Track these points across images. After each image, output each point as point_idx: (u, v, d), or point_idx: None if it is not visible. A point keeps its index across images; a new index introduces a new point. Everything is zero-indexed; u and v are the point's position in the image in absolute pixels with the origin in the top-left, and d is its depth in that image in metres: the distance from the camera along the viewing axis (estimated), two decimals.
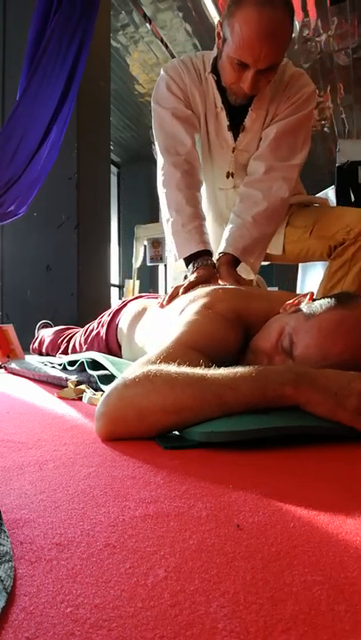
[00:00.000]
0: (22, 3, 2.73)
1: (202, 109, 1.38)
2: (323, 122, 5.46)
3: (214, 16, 3.74)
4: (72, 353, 1.53)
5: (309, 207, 1.52)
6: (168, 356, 0.65)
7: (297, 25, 3.89)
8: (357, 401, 0.58)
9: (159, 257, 5.39)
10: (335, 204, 3.59)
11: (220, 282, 1.23)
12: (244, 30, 1.12)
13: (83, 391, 0.97)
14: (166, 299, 1.15)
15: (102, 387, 0.95)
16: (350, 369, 0.63)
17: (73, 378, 1.09)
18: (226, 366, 0.62)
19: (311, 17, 3.79)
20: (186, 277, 1.28)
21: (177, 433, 0.61)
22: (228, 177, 1.44)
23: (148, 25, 3.91)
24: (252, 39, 1.12)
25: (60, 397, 0.98)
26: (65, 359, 1.24)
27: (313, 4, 3.65)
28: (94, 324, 1.48)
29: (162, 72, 1.40)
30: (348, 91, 4.83)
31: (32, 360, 1.57)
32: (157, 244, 5.31)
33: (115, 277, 6.21)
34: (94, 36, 2.27)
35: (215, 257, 1.33)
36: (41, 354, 1.85)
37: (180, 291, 1.14)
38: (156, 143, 1.41)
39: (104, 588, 0.26)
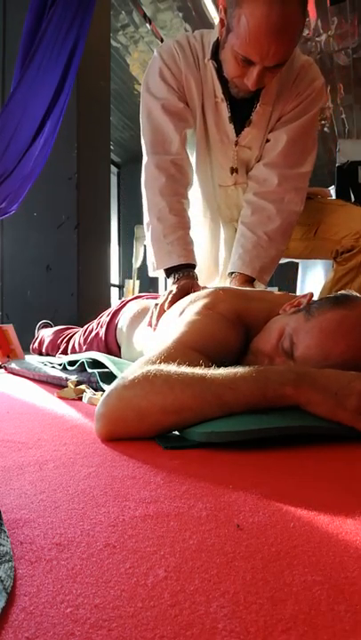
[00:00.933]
0: None
1: (198, 100, 1.27)
2: (323, 122, 5.46)
3: (214, 16, 3.74)
4: (72, 353, 1.53)
5: (313, 200, 1.45)
6: (168, 357, 0.65)
7: None
8: (358, 401, 0.58)
9: None
10: None
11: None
12: (252, 25, 1.02)
13: (83, 391, 0.97)
14: (155, 319, 1.10)
15: (103, 385, 0.95)
16: (351, 369, 0.63)
17: (73, 378, 1.09)
18: (226, 367, 0.62)
19: (311, 17, 3.79)
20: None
21: (177, 433, 0.61)
22: (231, 173, 1.35)
23: (148, 25, 3.92)
24: (260, 35, 1.02)
25: (60, 397, 0.98)
26: (65, 359, 1.24)
27: (313, 4, 3.65)
28: (93, 324, 1.48)
29: (155, 53, 1.29)
30: (349, 91, 4.82)
31: (32, 360, 1.57)
32: None
33: (115, 277, 6.21)
34: (94, 36, 2.27)
35: (228, 271, 1.29)
36: (41, 354, 1.85)
37: (166, 306, 1.09)
38: (142, 134, 1.32)
39: (104, 588, 0.26)
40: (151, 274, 1.33)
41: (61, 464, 0.50)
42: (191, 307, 0.85)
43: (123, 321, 1.30)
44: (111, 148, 5.40)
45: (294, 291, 2.89)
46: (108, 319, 1.37)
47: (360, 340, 0.67)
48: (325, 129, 5.63)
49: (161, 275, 1.29)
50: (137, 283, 5.16)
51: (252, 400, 0.58)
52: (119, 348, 1.33)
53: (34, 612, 0.24)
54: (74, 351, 1.53)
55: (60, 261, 2.74)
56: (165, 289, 1.21)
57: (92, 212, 2.85)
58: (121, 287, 6.12)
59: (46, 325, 2.14)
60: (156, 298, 1.31)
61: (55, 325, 2.07)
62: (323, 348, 0.68)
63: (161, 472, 0.48)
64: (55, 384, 1.17)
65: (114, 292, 5.90)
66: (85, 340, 1.46)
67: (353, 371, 0.63)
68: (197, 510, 0.38)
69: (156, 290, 6.38)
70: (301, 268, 2.99)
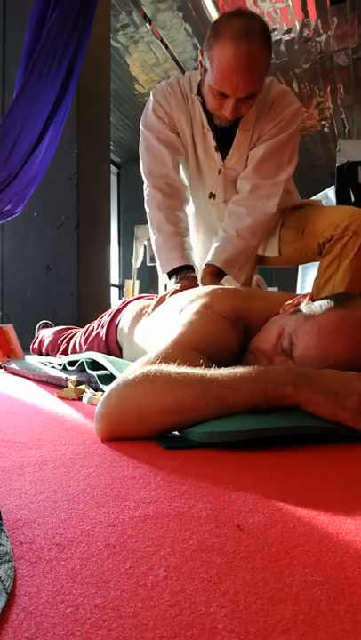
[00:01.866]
0: (23, 1, 2.73)
1: (188, 131, 1.44)
2: (323, 122, 5.46)
3: (214, 16, 3.74)
4: (72, 353, 1.53)
5: (303, 208, 1.55)
6: (168, 357, 0.65)
7: (297, 25, 3.89)
8: (358, 401, 0.58)
9: None
10: (335, 205, 3.59)
11: None
12: (223, 63, 1.17)
13: (83, 391, 0.97)
14: (152, 307, 1.19)
15: (102, 387, 0.95)
16: (351, 369, 0.63)
17: (73, 378, 1.09)
18: (226, 367, 0.62)
19: (311, 17, 3.79)
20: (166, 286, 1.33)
21: (177, 433, 0.61)
22: (209, 197, 1.50)
23: (148, 25, 3.91)
24: (229, 72, 1.17)
25: (60, 397, 0.98)
26: (65, 359, 1.24)
27: (313, 4, 3.65)
28: (94, 324, 1.48)
29: (151, 95, 1.46)
30: (349, 91, 4.82)
31: (32, 360, 1.57)
32: None
33: (115, 277, 6.21)
34: (94, 36, 2.27)
35: (201, 269, 1.40)
36: (41, 354, 1.85)
37: (166, 299, 1.18)
38: (141, 165, 1.48)
39: (104, 588, 0.26)
40: (161, 276, 1.45)
41: (61, 464, 0.50)
42: (190, 306, 0.85)
43: (124, 321, 1.30)
44: (111, 148, 5.40)
45: (294, 291, 2.89)
46: (108, 319, 1.38)
47: (359, 341, 0.67)
48: (325, 129, 5.63)
49: (168, 280, 1.42)
50: (137, 283, 5.17)
51: (252, 400, 0.58)
52: (120, 348, 1.33)
53: (34, 612, 0.24)
54: (74, 351, 1.53)
55: (60, 261, 2.75)
56: (165, 289, 1.32)
57: (92, 212, 2.85)
58: (121, 287, 6.13)
59: (46, 325, 2.14)
60: None
61: (55, 325, 2.07)
62: (322, 348, 0.68)
63: (161, 472, 0.48)
64: (55, 384, 1.17)
65: (114, 292, 5.90)
66: (86, 340, 1.46)
67: (353, 371, 0.63)
68: (197, 510, 0.38)
69: (156, 290, 6.38)
70: (301, 268, 2.99)
